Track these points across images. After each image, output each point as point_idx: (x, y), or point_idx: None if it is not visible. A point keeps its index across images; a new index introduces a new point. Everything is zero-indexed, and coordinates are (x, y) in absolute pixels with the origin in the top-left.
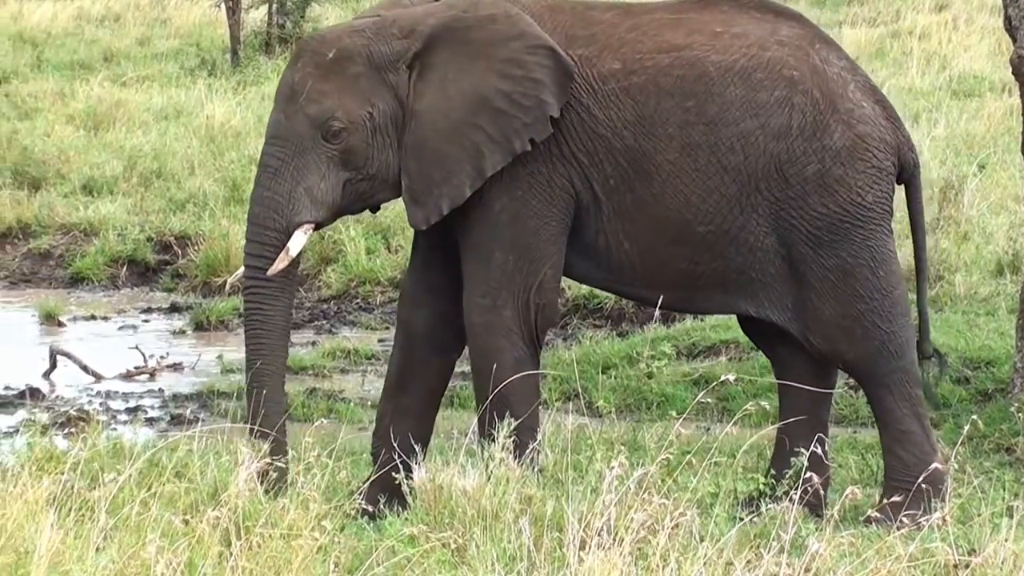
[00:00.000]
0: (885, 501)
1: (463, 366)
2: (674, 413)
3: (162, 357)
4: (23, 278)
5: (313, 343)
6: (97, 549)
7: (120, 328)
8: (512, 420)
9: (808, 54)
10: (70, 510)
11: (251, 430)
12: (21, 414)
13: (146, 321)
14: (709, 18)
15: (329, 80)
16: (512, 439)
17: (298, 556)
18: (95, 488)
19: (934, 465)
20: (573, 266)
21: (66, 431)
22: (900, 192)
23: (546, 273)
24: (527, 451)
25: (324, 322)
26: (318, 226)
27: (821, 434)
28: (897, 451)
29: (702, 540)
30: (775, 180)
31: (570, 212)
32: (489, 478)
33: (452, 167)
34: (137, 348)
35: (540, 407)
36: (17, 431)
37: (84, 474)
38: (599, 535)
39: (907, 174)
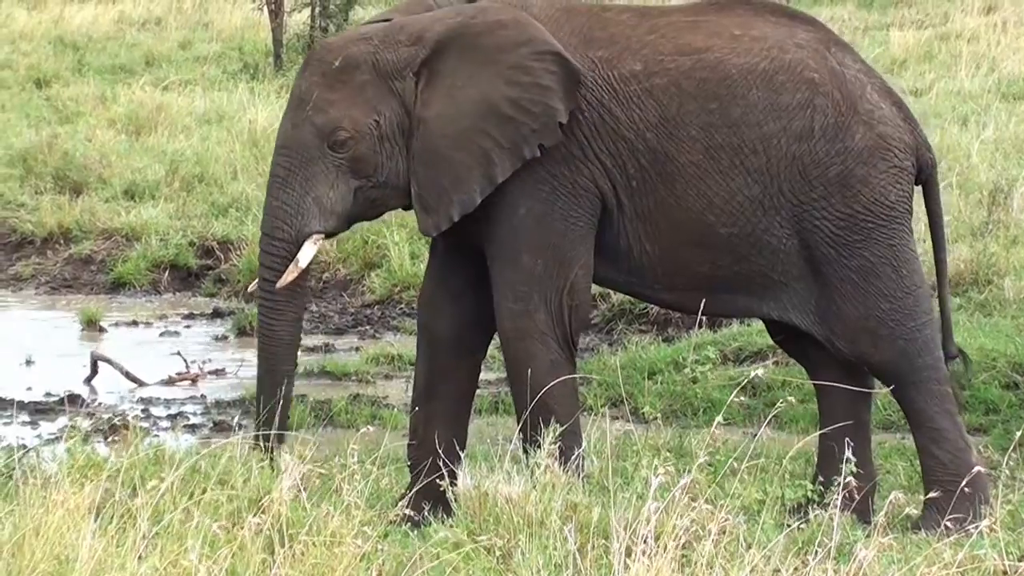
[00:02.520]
0: (929, 500)
1: (501, 371)
2: (720, 419)
3: (204, 363)
4: (64, 283)
5: (357, 348)
6: (139, 557)
7: (162, 334)
8: (555, 425)
9: (826, 57)
10: (111, 518)
11: (255, 434)
12: (62, 421)
13: (188, 327)
14: (727, 21)
15: (335, 89)
16: (557, 445)
17: (341, 564)
18: (137, 495)
19: (975, 467)
20: (594, 269)
21: (107, 438)
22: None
23: (577, 274)
24: (572, 456)
25: (368, 327)
26: (330, 235)
27: (865, 437)
28: (933, 450)
29: (748, 547)
30: (798, 182)
31: (596, 212)
32: (534, 485)
33: (462, 174)
34: (179, 354)
35: (580, 409)
36: (58, 438)
37: (125, 481)
38: (645, 542)
39: (925, 174)
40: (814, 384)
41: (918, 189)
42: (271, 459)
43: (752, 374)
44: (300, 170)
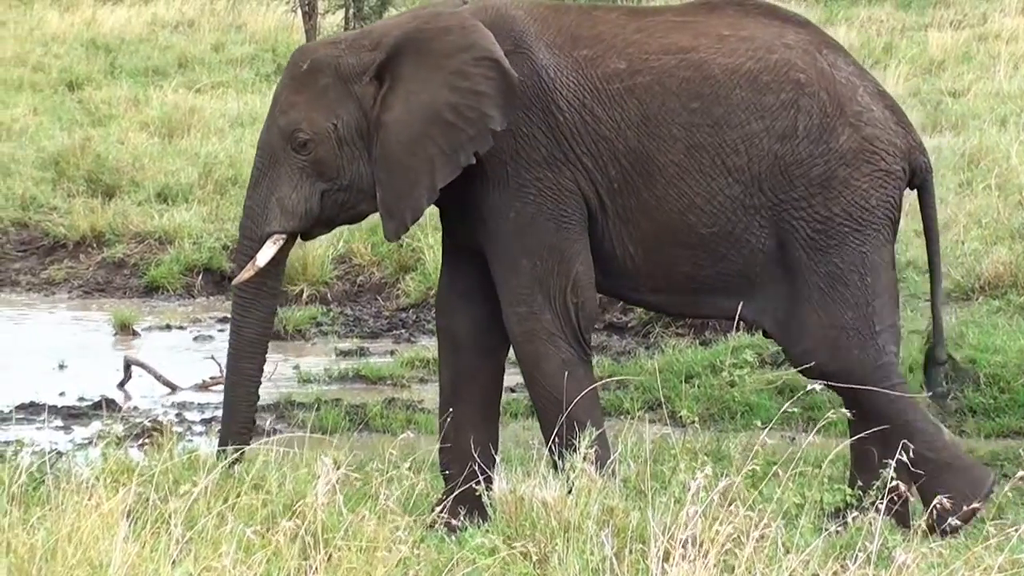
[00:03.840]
0: (923, 488)
1: None
2: (758, 422)
3: None
4: (97, 287)
5: (392, 352)
6: (173, 562)
7: (195, 338)
8: (576, 425)
9: (816, 58)
10: (145, 523)
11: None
12: (95, 425)
13: (222, 331)
14: (716, 22)
15: (300, 92)
16: (577, 443)
17: (377, 569)
18: (170, 500)
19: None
20: None
21: (141, 443)
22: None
23: (578, 271)
24: (605, 462)
25: (403, 331)
26: (296, 237)
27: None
28: (908, 443)
29: (788, 552)
30: (779, 181)
31: (583, 213)
32: (570, 489)
33: (414, 179)
34: (213, 358)
35: (598, 406)
36: (92, 443)
37: (159, 486)
38: (683, 547)
39: (919, 178)
40: (839, 386)
41: (914, 194)
42: (227, 457)
43: (808, 387)
44: (268, 171)
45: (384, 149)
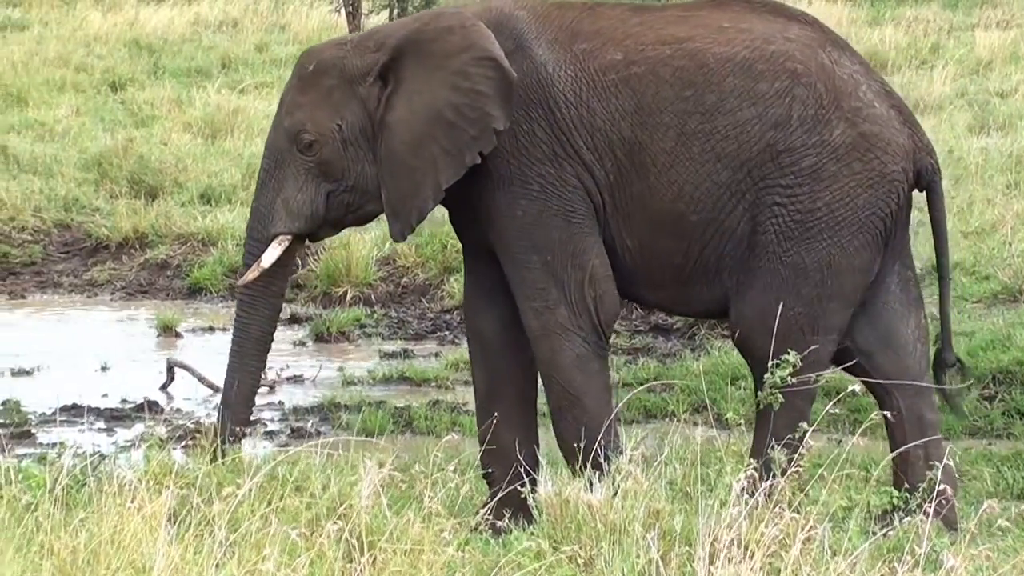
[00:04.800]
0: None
1: None
2: (804, 425)
3: (282, 369)
4: (140, 289)
5: (436, 354)
6: (216, 565)
7: None
8: (587, 420)
9: (817, 53)
10: (189, 525)
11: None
12: (138, 428)
13: None
14: (719, 15)
15: (305, 93)
16: (586, 441)
17: (422, 572)
18: (214, 503)
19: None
20: None
21: (184, 445)
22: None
23: (594, 264)
24: (607, 456)
25: (447, 333)
26: (303, 237)
27: (935, 436)
28: (761, 445)
29: (834, 555)
30: (768, 167)
31: (590, 207)
32: (616, 492)
33: (418, 179)
34: None
35: (611, 400)
36: (134, 445)
37: (203, 489)
38: (729, 549)
39: (925, 179)
40: (869, 382)
41: (922, 196)
42: (221, 451)
43: (849, 388)
44: (274, 172)
45: (388, 150)
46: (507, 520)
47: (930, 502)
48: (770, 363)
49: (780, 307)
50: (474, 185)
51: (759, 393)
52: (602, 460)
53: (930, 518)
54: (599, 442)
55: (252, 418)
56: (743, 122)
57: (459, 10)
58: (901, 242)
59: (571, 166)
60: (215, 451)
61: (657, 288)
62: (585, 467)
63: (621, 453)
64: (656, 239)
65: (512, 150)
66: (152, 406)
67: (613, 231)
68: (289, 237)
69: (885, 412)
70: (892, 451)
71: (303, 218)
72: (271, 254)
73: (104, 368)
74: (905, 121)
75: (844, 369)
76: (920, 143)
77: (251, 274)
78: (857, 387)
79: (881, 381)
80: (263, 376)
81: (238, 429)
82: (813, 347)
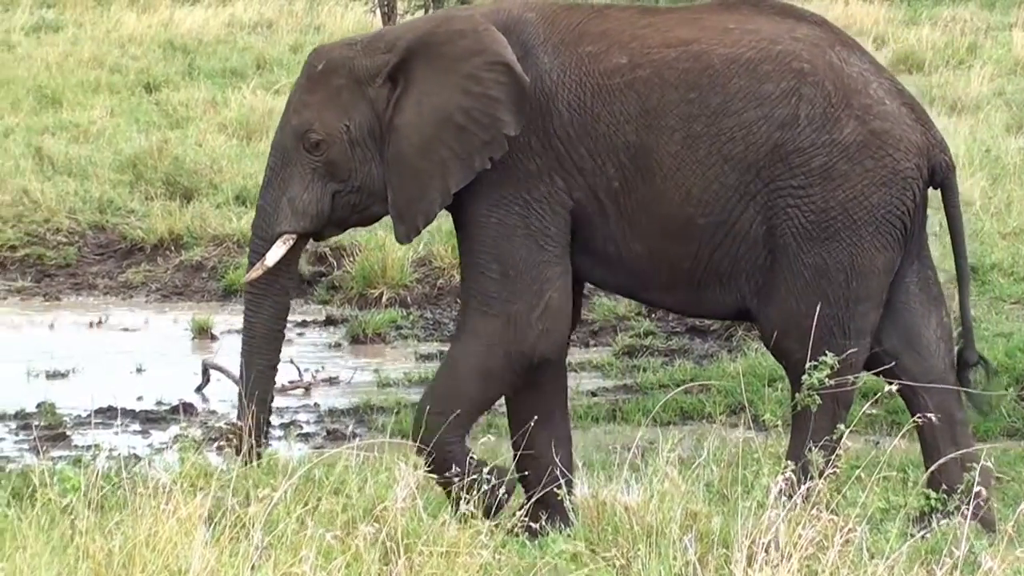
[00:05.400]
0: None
1: (619, 379)
2: (841, 426)
3: (317, 371)
4: (175, 291)
5: None
6: (252, 567)
7: None
8: (444, 422)
9: (825, 52)
10: (224, 527)
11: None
12: (173, 430)
13: (301, 334)
14: (727, 17)
15: (314, 92)
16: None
17: (459, 574)
18: (249, 505)
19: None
20: (590, 272)
21: (218, 447)
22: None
23: (551, 297)
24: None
25: None
26: (308, 237)
27: (966, 435)
28: (805, 445)
29: (872, 557)
30: (779, 168)
31: (567, 231)
32: (653, 494)
33: (425, 182)
34: (292, 362)
35: (477, 417)
36: (169, 447)
37: (238, 491)
38: (766, 551)
39: (939, 177)
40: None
41: (937, 194)
42: (244, 450)
43: (886, 388)
44: (280, 171)
45: (395, 152)
46: (543, 522)
47: (968, 504)
48: (805, 366)
49: (806, 309)
50: (463, 190)
51: (795, 395)
52: (435, 462)
53: (968, 520)
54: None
55: (288, 420)
56: (749, 123)
57: (471, 13)
58: (919, 241)
59: (564, 180)
60: (240, 452)
61: (668, 291)
62: (423, 460)
63: (472, 463)
64: (664, 243)
65: (501, 161)
66: (187, 408)
67: (618, 239)
68: (294, 236)
69: (927, 415)
70: (923, 452)
71: (308, 217)
72: (275, 253)
73: (139, 370)
74: (917, 118)
75: (875, 373)
76: (933, 140)
77: (254, 272)
78: (895, 388)
79: (912, 384)
80: (299, 378)
81: (255, 430)
82: (846, 350)
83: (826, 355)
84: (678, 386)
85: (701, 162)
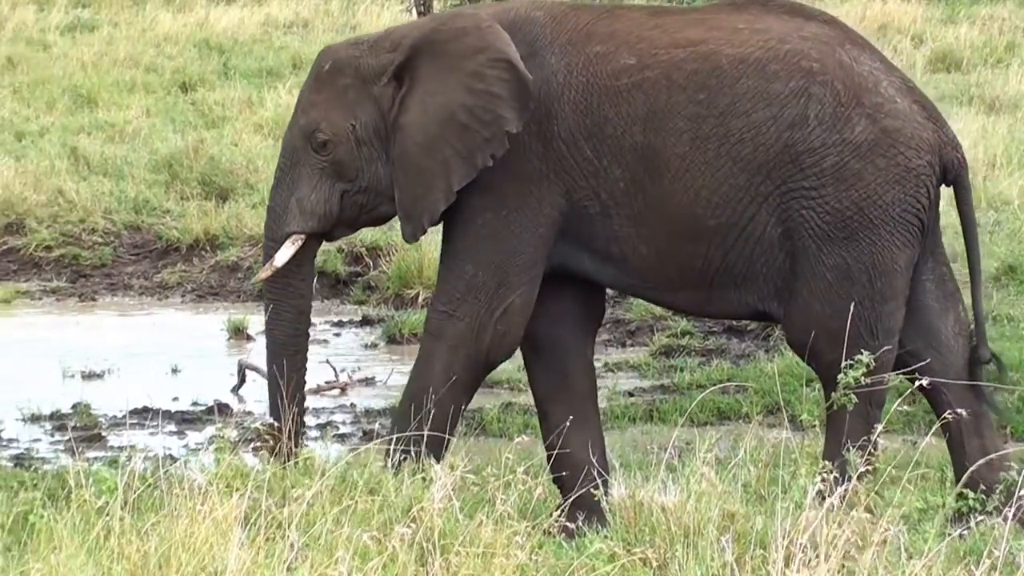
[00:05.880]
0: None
1: (656, 379)
2: (878, 426)
3: (354, 371)
4: (211, 291)
5: None
6: (288, 568)
7: (310, 342)
8: (415, 424)
9: (835, 50)
10: (260, 528)
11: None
12: (209, 430)
13: (337, 335)
14: (736, 17)
15: (320, 92)
16: (411, 447)
17: (495, 575)
18: (285, 505)
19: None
20: (598, 272)
21: (255, 448)
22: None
23: (514, 301)
24: (420, 459)
25: None
26: (317, 237)
27: (990, 429)
28: (835, 448)
29: (910, 557)
30: (789, 169)
31: (551, 240)
32: (690, 494)
33: (430, 181)
34: (328, 362)
35: (455, 424)
36: (205, 448)
37: (274, 491)
38: (804, 552)
39: (952, 174)
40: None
41: (949, 191)
42: (280, 450)
43: (916, 383)
44: (289, 171)
45: (401, 151)
46: (580, 522)
47: (1010, 505)
48: (836, 367)
49: (831, 311)
50: (460, 190)
51: (831, 395)
52: (416, 464)
53: (1008, 520)
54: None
55: (324, 420)
56: (758, 124)
57: (476, 11)
58: (933, 237)
59: (562, 183)
60: (275, 453)
61: (676, 291)
62: (398, 464)
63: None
64: (673, 243)
65: (501, 160)
66: (223, 408)
67: (623, 240)
68: (303, 236)
69: (959, 411)
70: (949, 448)
71: (316, 217)
72: (284, 253)
73: (175, 370)
74: (929, 116)
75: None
76: (945, 137)
77: (264, 273)
78: (924, 383)
79: (937, 380)
80: (335, 378)
81: (284, 433)
82: (877, 350)
83: (861, 355)
84: (715, 386)
85: (710, 163)
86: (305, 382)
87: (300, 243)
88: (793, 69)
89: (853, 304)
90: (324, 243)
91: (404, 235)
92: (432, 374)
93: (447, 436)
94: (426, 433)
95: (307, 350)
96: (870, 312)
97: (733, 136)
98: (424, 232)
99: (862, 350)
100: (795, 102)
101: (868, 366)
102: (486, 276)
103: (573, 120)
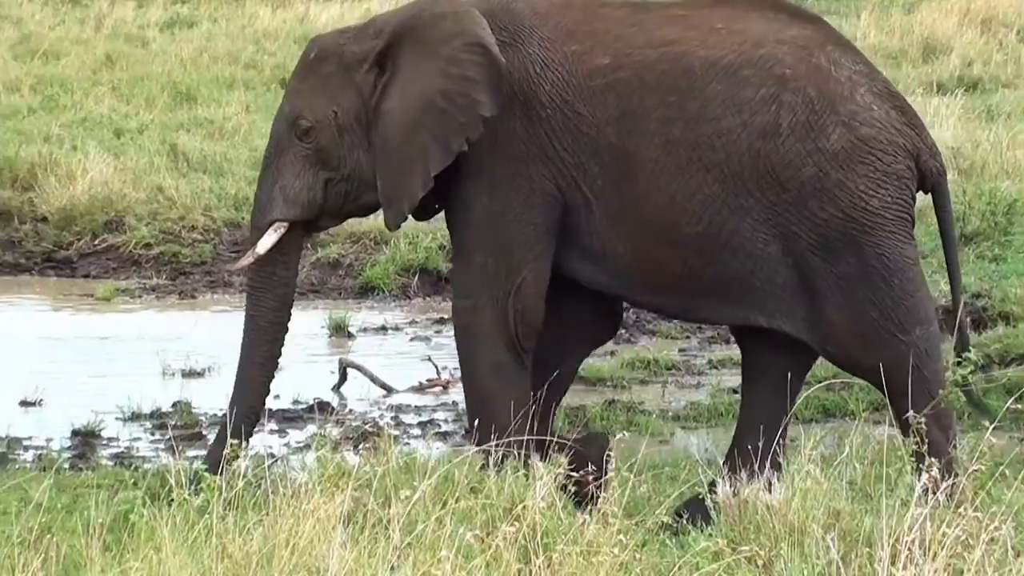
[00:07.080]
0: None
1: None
2: (986, 423)
3: (455, 369)
4: (311, 288)
5: (612, 353)
6: (391, 567)
7: (412, 339)
8: (496, 427)
9: (812, 54)
10: (363, 527)
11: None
12: (311, 429)
13: (439, 332)
14: (716, 15)
15: (305, 80)
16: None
17: (599, 573)
18: (388, 505)
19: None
20: (579, 271)
21: (358, 446)
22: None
23: (526, 278)
24: (503, 456)
25: (622, 331)
26: (312, 227)
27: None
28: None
29: (1018, 555)
30: (768, 182)
31: (553, 216)
32: (795, 492)
33: (409, 167)
34: (430, 360)
35: (525, 410)
36: (308, 446)
37: (377, 490)
38: (910, 550)
39: (931, 181)
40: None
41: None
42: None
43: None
44: (274, 159)
45: (382, 138)
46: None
47: None
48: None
49: (856, 317)
50: (447, 175)
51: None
52: (509, 467)
53: None
54: (512, 446)
55: (427, 419)
56: (727, 130)
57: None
58: None
59: (547, 168)
60: (216, 441)
61: (654, 293)
62: (496, 472)
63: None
64: (649, 245)
65: (489, 145)
66: (324, 407)
67: (603, 236)
68: (285, 224)
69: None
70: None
71: (300, 205)
72: (266, 241)
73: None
74: (908, 122)
75: None
76: (923, 144)
77: (244, 261)
78: (1009, 371)
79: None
80: (437, 375)
81: (247, 420)
82: (915, 343)
83: (892, 356)
84: (820, 383)
85: (682, 168)
86: (277, 369)
87: (283, 231)
88: (765, 75)
89: (875, 309)
90: (426, 240)
91: (386, 221)
92: (482, 375)
93: (527, 423)
94: (525, 438)
95: (284, 341)
96: (895, 310)
97: (703, 142)
98: (405, 219)
99: (898, 351)
100: (765, 110)
101: (976, 363)
102: (494, 261)
103: (551, 115)
